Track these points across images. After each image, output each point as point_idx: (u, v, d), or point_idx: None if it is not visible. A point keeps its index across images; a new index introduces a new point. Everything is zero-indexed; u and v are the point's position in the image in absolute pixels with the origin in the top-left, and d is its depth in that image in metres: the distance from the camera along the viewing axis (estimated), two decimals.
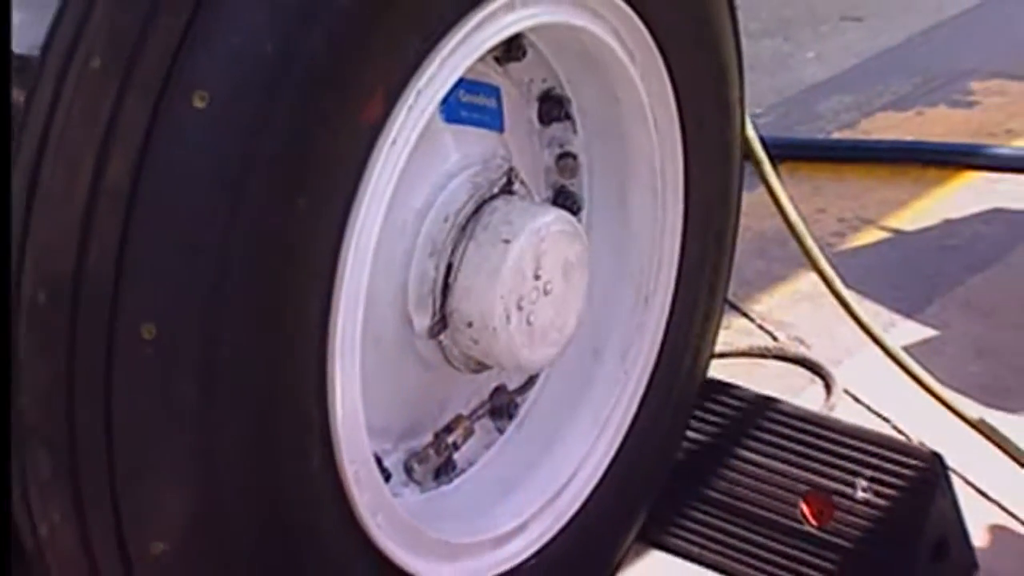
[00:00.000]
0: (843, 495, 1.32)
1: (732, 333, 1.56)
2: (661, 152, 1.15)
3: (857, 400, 1.57)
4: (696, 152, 1.17)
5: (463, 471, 1.14)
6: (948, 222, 1.98)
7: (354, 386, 0.95)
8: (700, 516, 1.38)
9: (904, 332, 1.70)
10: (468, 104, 1.07)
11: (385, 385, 1.04)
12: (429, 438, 1.12)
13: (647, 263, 1.18)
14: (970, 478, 1.44)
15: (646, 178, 1.16)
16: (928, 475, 1.31)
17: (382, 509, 1.00)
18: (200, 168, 0.85)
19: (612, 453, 1.18)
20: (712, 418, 1.43)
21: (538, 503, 1.14)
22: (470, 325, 1.04)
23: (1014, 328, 1.74)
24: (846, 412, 1.52)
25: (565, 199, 1.17)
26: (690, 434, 1.34)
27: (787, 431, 1.39)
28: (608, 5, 1.06)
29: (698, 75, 1.15)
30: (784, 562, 1.33)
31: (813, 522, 1.35)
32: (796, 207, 1.51)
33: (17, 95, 1.15)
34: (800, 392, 1.53)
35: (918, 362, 1.46)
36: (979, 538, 1.36)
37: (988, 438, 1.41)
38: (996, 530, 1.40)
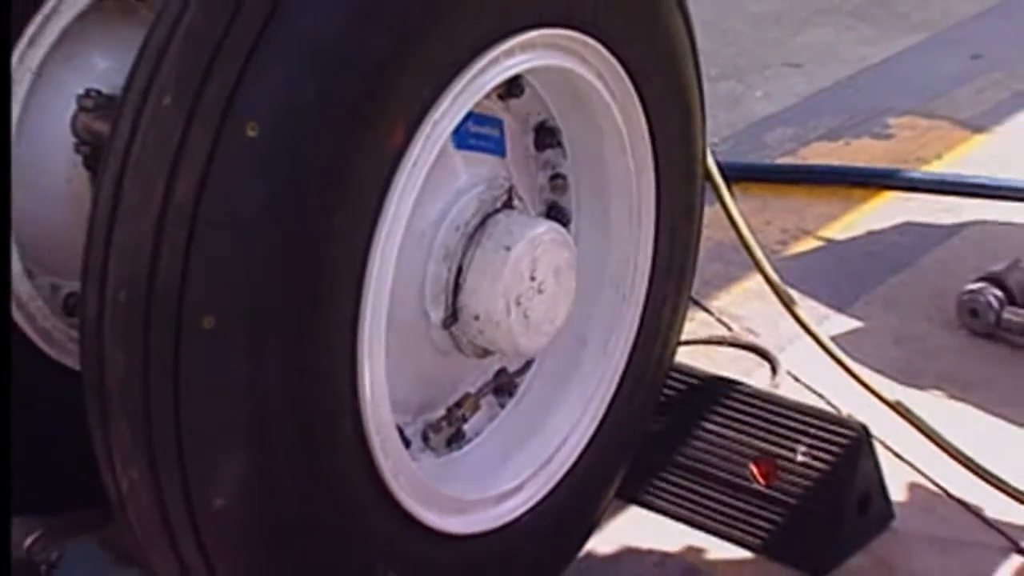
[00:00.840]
0: (786, 459, 1.32)
1: (695, 324, 1.56)
2: (637, 174, 1.15)
3: (797, 380, 1.58)
4: (665, 175, 1.16)
5: (471, 440, 1.14)
6: (871, 232, 2.00)
7: (380, 368, 0.95)
8: (668, 477, 1.38)
9: (836, 324, 1.71)
10: (475, 133, 1.06)
11: (406, 367, 1.03)
12: (442, 412, 1.11)
13: (625, 266, 1.18)
14: (890, 444, 1.44)
15: (624, 196, 1.16)
16: (855, 442, 1.31)
17: (403, 471, 1.00)
18: (251, 187, 0.84)
19: (595, 425, 1.18)
20: (678, 395, 1.43)
21: (533, 467, 1.13)
22: (477, 318, 1.04)
23: (926, 320, 1.75)
24: (789, 390, 1.53)
25: (556, 213, 1.16)
26: (660, 409, 1.34)
27: (739, 406, 1.40)
28: (593, 52, 1.06)
29: (667, 111, 1.15)
30: (736, 514, 1.33)
31: (761, 481, 1.35)
32: (746, 220, 1.51)
33: (102, 126, 1.14)
34: (750, 373, 1.53)
35: (845, 350, 1.47)
36: (896, 494, 1.36)
37: (902, 416, 1.42)
38: (910, 488, 1.41)
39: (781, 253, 1.87)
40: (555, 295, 1.08)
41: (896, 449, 1.45)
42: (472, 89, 0.95)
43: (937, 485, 1.41)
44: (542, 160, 1.15)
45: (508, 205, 1.07)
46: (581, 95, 1.10)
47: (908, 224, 2.02)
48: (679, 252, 1.21)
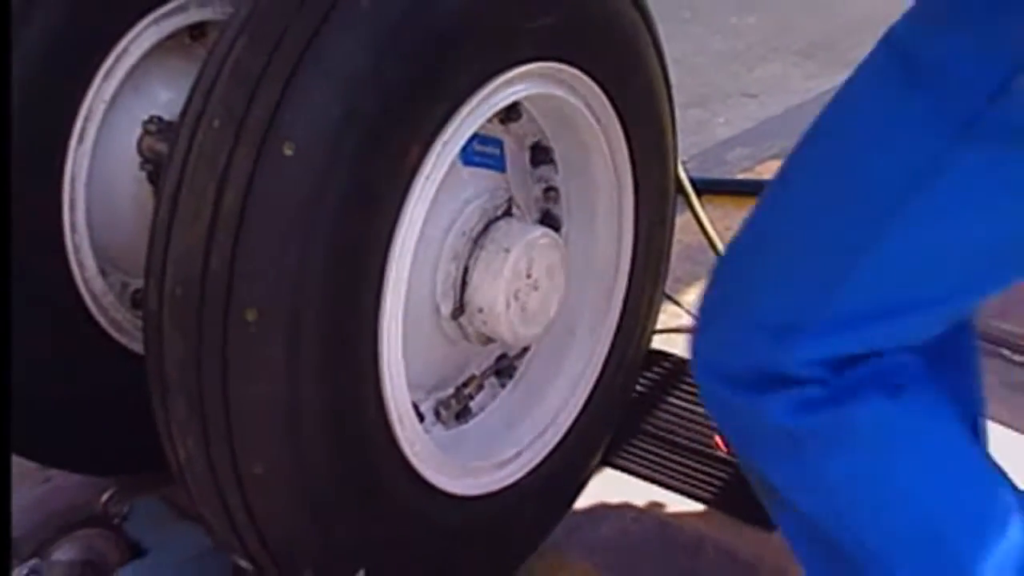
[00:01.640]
0: None
1: (667, 316, 1.54)
2: (619, 187, 1.14)
3: None
4: (643, 187, 1.15)
5: (476, 414, 1.12)
6: None
7: (397, 354, 0.93)
8: (644, 446, 1.36)
9: None
10: (480, 152, 1.05)
11: (420, 353, 1.02)
12: (452, 391, 1.10)
13: (609, 266, 1.16)
14: None
15: (608, 206, 1.14)
16: None
17: (418, 441, 0.98)
18: (288, 199, 0.83)
19: (583, 402, 1.16)
20: (653, 376, 1.41)
21: (530, 437, 1.12)
22: (481, 311, 1.02)
23: None
24: None
25: (549, 220, 1.15)
26: (638, 387, 1.32)
27: None
28: (581, 83, 1.05)
29: (645, 133, 1.13)
30: (703, 478, 1.31)
31: (724, 449, 1.33)
32: (712, 226, 1.48)
33: (163, 147, 1.13)
34: None
35: None
36: None
37: None
38: None
39: None
40: (548, 291, 1.06)
41: None
42: (477, 114, 0.94)
43: None
44: (537, 175, 1.14)
45: (508, 213, 1.06)
46: (571, 119, 1.08)
47: None
48: (654, 254, 1.20)
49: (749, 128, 2.42)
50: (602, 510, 1.25)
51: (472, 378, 1.11)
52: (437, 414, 1.08)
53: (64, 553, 1.09)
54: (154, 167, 1.17)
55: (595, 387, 1.17)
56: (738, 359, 0.78)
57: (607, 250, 1.16)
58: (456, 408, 1.09)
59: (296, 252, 0.84)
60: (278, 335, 0.84)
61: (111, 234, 1.17)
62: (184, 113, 0.88)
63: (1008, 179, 0.70)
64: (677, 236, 1.25)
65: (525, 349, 1.16)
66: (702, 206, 1.47)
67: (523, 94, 1.00)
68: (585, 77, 1.04)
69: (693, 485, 1.30)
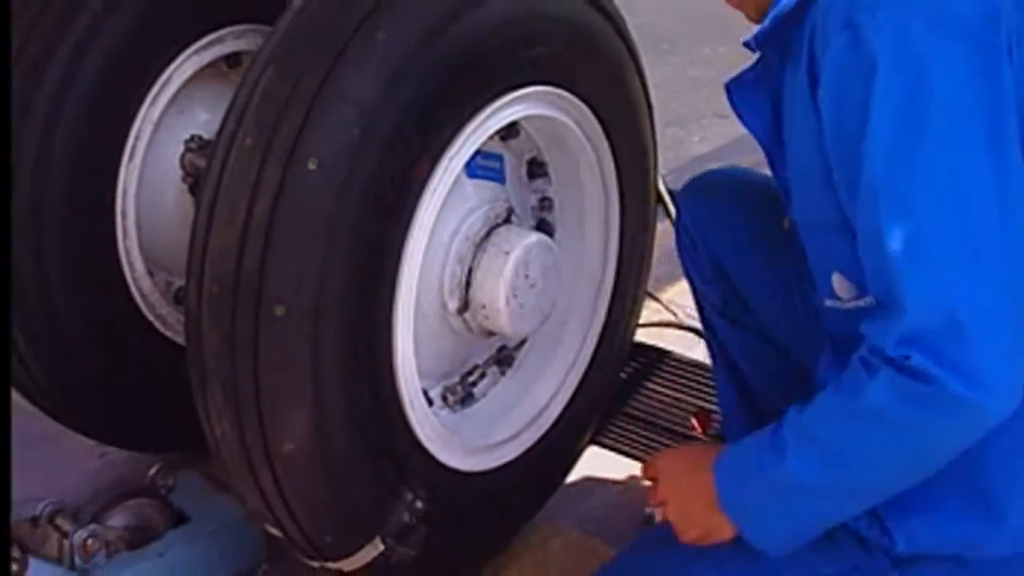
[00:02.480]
0: (717, 413, 1.28)
1: (649, 312, 1.52)
2: (606, 197, 1.12)
3: None
4: (628, 197, 1.13)
5: (479, 400, 1.11)
6: None
7: (409, 345, 0.92)
8: (628, 427, 1.35)
9: None
10: (482, 166, 1.03)
11: (429, 345, 1.01)
12: (457, 379, 1.09)
13: (597, 267, 1.15)
14: None
15: (596, 214, 1.13)
16: None
17: (427, 423, 0.97)
18: (312, 209, 0.83)
19: (573, 389, 1.15)
20: (636, 365, 1.40)
21: (526, 420, 1.11)
22: (483, 307, 1.01)
23: None
24: None
25: (545, 226, 1.13)
26: (623, 375, 1.31)
27: (682, 373, 1.38)
28: (572, 105, 1.03)
29: (629, 149, 1.12)
30: None
31: (699, 430, 1.32)
32: None
33: (202, 162, 1.12)
34: (691, 348, 1.50)
35: None
36: None
37: None
38: None
39: None
40: (543, 289, 1.05)
41: None
42: (480, 132, 0.93)
43: None
44: (533, 186, 1.12)
45: (507, 220, 1.04)
46: (563, 137, 1.07)
47: None
48: (638, 256, 1.19)
49: (721, 145, 2.40)
50: (591, 484, 1.24)
51: (475, 367, 1.10)
52: (444, 399, 1.07)
53: (118, 519, 1.09)
54: (194, 180, 1.16)
55: (585, 375, 1.16)
56: None
57: (596, 253, 1.15)
58: (461, 394, 1.08)
59: (319, 255, 0.83)
60: (303, 329, 0.83)
61: (157, 239, 1.16)
62: (220, 132, 0.87)
63: None
64: (657, 241, 1.23)
65: (523, 341, 1.14)
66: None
67: (521, 115, 0.99)
68: (576, 100, 1.03)
69: None
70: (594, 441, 1.28)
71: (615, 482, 1.26)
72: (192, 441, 0.97)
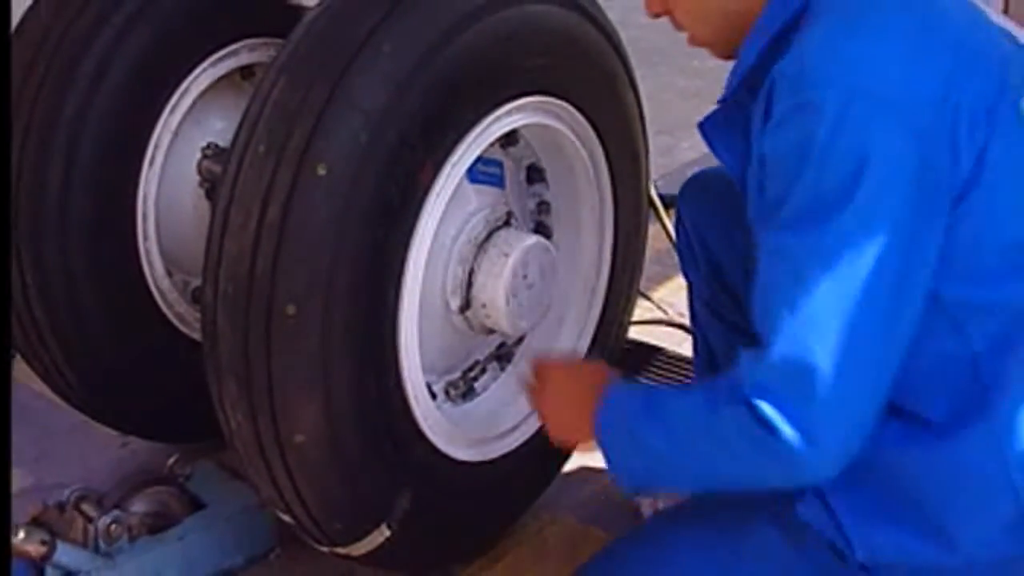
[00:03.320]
0: None
1: (641, 310, 1.51)
2: (600, 202, 1.11)
3: None
4: (621, 202, 1.13)
5: (480, 394, 1.10)
6: None
7: (414, 342, 0.91)
8: None
9: None
10: (483, 172, 1.03)
11: (433, 341, 1.00)
12: (459, 374, 1.08)
13: (592, 268, 1.14)
14: None
15: (591, 217, 1.12)
16: None
17: (430, 416, 0.96)
18: (321, 212, 0.82)
19: None
20: (629, 361, 1.39)
21: (525, 413, 1.09)
22: (484, 306, 1.00)
23: None
24: None
25: (542, 229, 1.13)
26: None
27: (672, 367, 1.37)
28: (569, 114, 1.03)
29: (623, 155, 1.11)
30: None
31: None
32: None
33: (218, 168, 1.12)
34: (680, 344, 1.49)
35: None
36: None
37: None
38: None
39: None
40: (541, 289, 1.04)
41: None
42: (481, 139, 0.92)
43: None
44: (532, 191, 1.12)
45: (507, 223, 1.03)
46: (560, 144, 1.06)
47: None
48: (631, 258, 1.18)
49: (708, 152, 2.38)
50: (586, 473, 1.23)
51: (476, 363, 1.09)
52: (447, 393, 1.06)
53: (139, 506, 1.08)
54: (211, 185, 1.16)
55: None
56: None
57: (591, 254, 1.14)
58: (463, 388, 1.07)
59: (328, 256, 0.82)
60: (313, 326, 0.83)
61: (175, 241, 1.16)
62: (235, 140, 0.87)
63: None
64: (649, 242, 1.22)
65: (521, 338, 1.13)
66: (669, 217, 1.45)
67: (520, 123, 0.98)
68: (572, 109, 1.02)
69: None
70: None
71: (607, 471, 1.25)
72: (209, 432, 0.96)
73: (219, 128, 1.17)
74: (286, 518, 0.93)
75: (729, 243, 1.00)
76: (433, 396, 1.01)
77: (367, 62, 0.83)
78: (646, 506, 1.13)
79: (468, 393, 1.08)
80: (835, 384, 0.61)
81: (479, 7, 0.89)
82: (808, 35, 0.65)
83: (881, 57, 0.63)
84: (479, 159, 0.96)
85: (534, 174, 1.10)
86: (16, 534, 0.94)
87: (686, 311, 1.14)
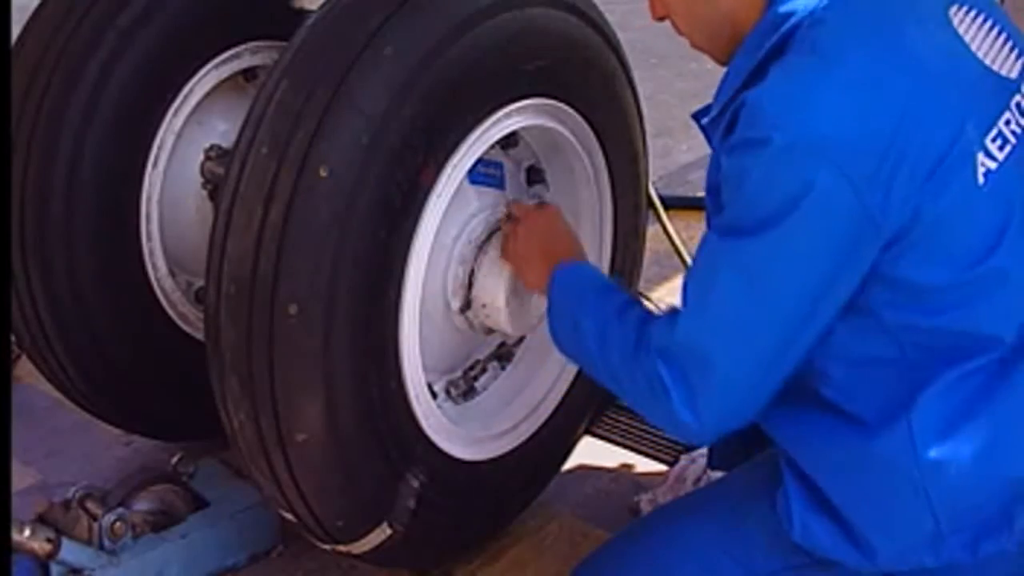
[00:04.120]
0: None
1: None
2: (599, 203, 1.11)
3: None
4: (620, 203, 1.13)
5: (480, 393, 1.10)
6: None
7: (415, 342, 0.91)
8: (620, 418, 1.33)
9: None
10: (484, 173, 1.02)
11: (433, 341, 1.00)
12: (460, 373, 1.08)
13: None
14: None
15: (591, 218, 1.12)
16: None
17: (431, 415, 0.96)
18: (323, 213, 0.82)
19: (569, 382, 1.14)
20: None
21: (524, 412, 1.10)
22: (484, 306, 1.00)
23: None
24: None
25: None
26: None
27: None
28: (569, 116, 1.03)
29: (622, 157, 1.11)
30: (668, 445, 1.28)
31: None
32: (677, 236, 1.46)
33: (220, 170, 1.12)
34: None
35: None
36: None
37: None
38: None
39: None
40: None
41: None
42: (481, 141, 0.92)
43: None
44: (532, 192, 1.11)
45: None
46: (560, 146, 1.06)
47: None
48: (630, 258, 1.18)
49: (706, 154, 2.38)
50: (585, 471, 1.23)
51: (477, 362, 1.09)
52: (448, 392, 1.06)
53: (143, 504, 1.08)
54: (214, 186, 1.16)
55: (579, 370, 1.15)
56: None
57: (590, 255, 1.13)
58: (463, 388, 1.07)
59: (330, 257, 0.82)
60: (315, 326, 0.83)
61: (179, 242, 1.16)
62: (238, 142, 0.87)
63: None
64: (648, 244, 1.22)
65: (521, 338, 1.13)
66: (668, 219, 1.45)
67: (520, 125, 0.98)
68: (572, 111, 1.02)
69: (659, 450, 1.28)
70: (588, 431, 1.27)
71: (608, 470, 1.25)
72: (211, 431, 0.96)
73: (222, 130, 1.17)
74: (288, 516, 0.93)
75: None
76: (434, 395, 1.01)
77: (369, 65, 0.83)
78: (645, 503, 1.14)
79: (469, 392, 1.08)
80: (721, 373, 0.69)
81: (480, 11, 0.89)
82: (779, 71, 0.69)
83: (832, 108, 0.66)
84: (480, 161, 0.96)
85: (534, 175, 1.09)
86: (22, 531, 0.94)
87: None
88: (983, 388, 0.70)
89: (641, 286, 1.27)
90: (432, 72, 0.85)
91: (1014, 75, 0.72)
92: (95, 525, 0.99)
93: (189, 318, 1.17)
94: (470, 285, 1.00)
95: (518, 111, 0.96)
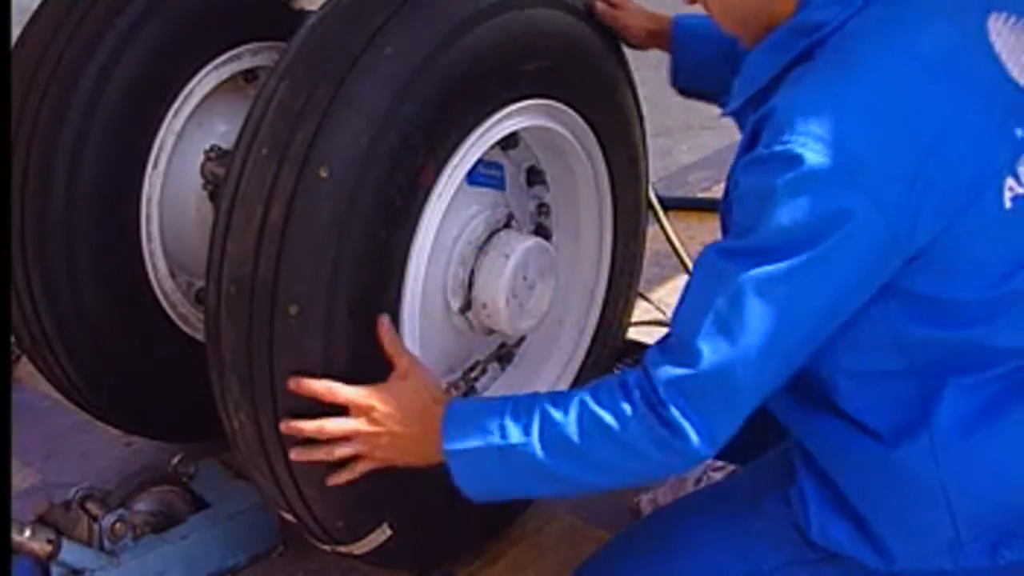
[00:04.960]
0: None
1: (640, 311, 1.51)
2: (600, 204, 1.11)
3: None
4: (620, 204, 1.12)
5: (480, 393, 1.09)
6: None
7: (415, 342, 0.91)
8: None
9: None
10: (484, 174, 1.02)
11: (434, 342, 0.99)
12: (460, 374, 1.08)
13: (591, 269, 1.14)
14: None
15: (591, 219, 1.12)
16: None
17: None
18: (323, 213, 0.82)
19: (570, 383, 1.14)
20: (629, 362, 1.38)
21: None
22: (485, 306, 1.00)
23: None
24: None
25: (542, 231, 1.12)
26: (616, 371, 1.29)
27: None
28: (569, 116, 1.02)
29: (622, 158, 1.11)
30: None
31: None
32: (677, 237, 1.46)
33: (221, 171, 1.12)
34: None
35: None
36: None
37: None
38: None
39: None
40: (541, 290, 1.04)
41: None
42: (482, 142, 0.92)
43: None
44: (532, 193, 1.11)
45: (507, 225, 1.03)
46: (560, 147, 1.06)
47: None
48: (630, 259, 1.17)
49: (707, 155, 2.39)
50: None
51: (477, 363, 1.09)
52: (448, 393, 1.05)
53: (143, 505, 1.08)
54: (214, 187, 1.15)
55: (580, 371, 1.15)
56: None
57: (590, 256, 1.13)
58: (464, 388, 1.07)
59: (330, 257, 0.82)
60: (315, 327, 0.83)
61: (179, 243, 1.16)
62: (238, 143, 0.86)
63: None
64: (648, 244, 1.22)
65: (522, 339, 1.13)
66: (668, 220, 1.45)
67: (520, 126, 0.97)
68: (572, 112, 1.02)
69: None
70: None
71: None
72: (211, 431, 0.96)
73: (222, 131, 1.17)
74: (288, 517, 0.93)
75: None
76: None
77: (369, 65, 0.83)
78: (646, 503, 1.13)
79: (469, 393, 1.08)
80: (742, 397, 0.68)
81: (480, 11, 0.89)
82: (809, 81, 0.67)
83: (864, 127, 0.65)
84: (480, 161, 0.96)
85: (534, 176, 1.09)
86: (22, 532, 0.94)
87: None
88: (1002, 397, 0.69)
89: (641, 286, 1.27)
90: (432, 72, 0.85)
91: None
92: (95, 526, 0.99)
93: (189, 319, 1.17)
94: (470, 285, 0.99)
95: (518, 112, 0.95)
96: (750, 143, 0.69)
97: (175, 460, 1.12)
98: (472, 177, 0.99)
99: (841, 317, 0.69)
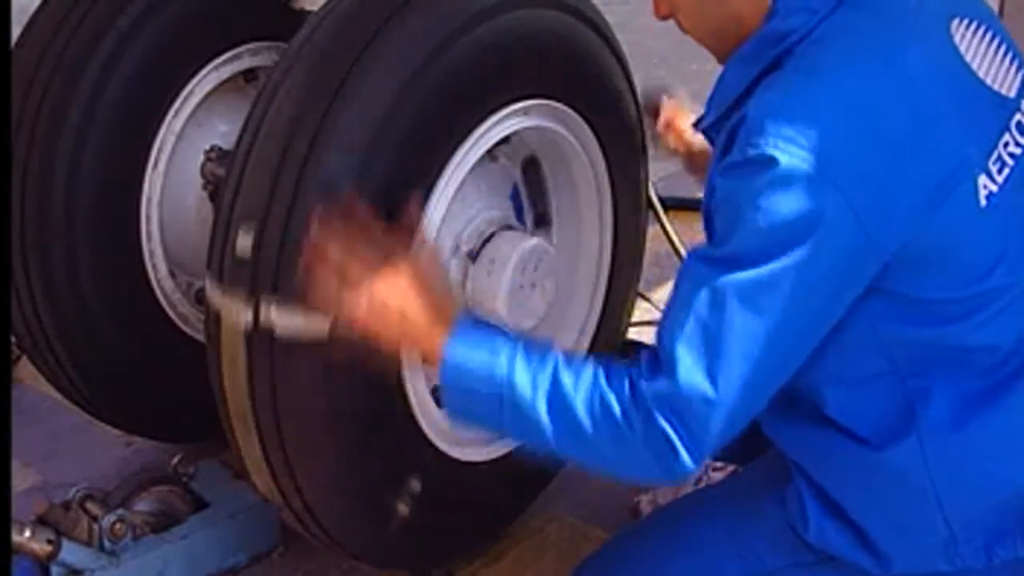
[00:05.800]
0: None
1: (641, 311, 1.51)
2: (600, 204, 1.11)
3: None
4: (621, 203, 1.12)
5: None
6: None
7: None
8: None
9: None
10: (484, 174, 1.02)
11: None
12: None
13: (593, 269, 1.13)
14: None
15: (592, 219, 1.11)
16: None
17: (432, 419, 0.96)
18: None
19: None
20: (628, 359, 1.37)
21: None
22: (483, 306, 0.99)
23: None
24: None
25: (543, 231, 1.11)
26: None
27: None
28: (568, 117, 1.02)
29: (622, 158, 1.11)
30: None
31: None
32: (678, 237, 1.46)
33: (221, 171, 1.12)
34: None
35: None
36: None
37: None
38: None
39: None
40: (542, 290, 1.03)
41: None
42: (482, 142, 0.92)
43: None
44: (532, 194, 1.11)
45: (507, 225, 1.02)
46: (561, 148, 1.06)
47: None
48: (630, 260, 1.17)
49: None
50: (585, 473, 1.22)
51: None
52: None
53: (144, 505, 1.08)
54: (214, 187, 1.16)
55: None
56: None
57: (590, 256, 1.13)
58: None
59: None
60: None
61: (179, 243, 1.16)
62: (238, 143, 0.86)
63: None
64: (648, 244, 1.21)
65: None
66: (669, 220, 1.45)
67: (520, 126, 0.97)
68: (572, 112, 1.02)
69: None
70: None
71: None
72: (211, 431, 0.96)
73: (222, 131, 1.17)
74: (288, 517, 0.93)
75: None
76: (438, 404, 0.98)
77: (369, 65, 0.83)
78: (646, 503, 1.13)
79: None
80: (728, 412, 0.66)
81: (480, 11, 0.89)
82: (779, 87, 0.67)
83: (835, 130, 0.64)
84: (480, 161, 0.96)
85: (535, 177, 1.09)
86: (22, 532, 0.93)
87: None
88: (989, 395, 0.69)
89: (641, 286, 1.26)
90: (432, 73, 0.85)
91: (1012, 93, 0.71)
92: (95, 526, 0.99)
93: (189, 319, 1.17)
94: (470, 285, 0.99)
95: (518, 112, 0.95)
96: (724, 151, 0.69)
97: (175, 460, 1.12)
98: (473, 178, 0.98)
99: (824, 323, 0.68)
